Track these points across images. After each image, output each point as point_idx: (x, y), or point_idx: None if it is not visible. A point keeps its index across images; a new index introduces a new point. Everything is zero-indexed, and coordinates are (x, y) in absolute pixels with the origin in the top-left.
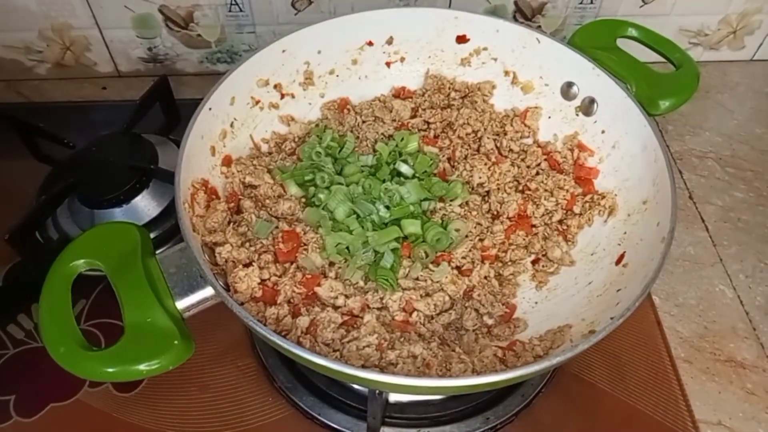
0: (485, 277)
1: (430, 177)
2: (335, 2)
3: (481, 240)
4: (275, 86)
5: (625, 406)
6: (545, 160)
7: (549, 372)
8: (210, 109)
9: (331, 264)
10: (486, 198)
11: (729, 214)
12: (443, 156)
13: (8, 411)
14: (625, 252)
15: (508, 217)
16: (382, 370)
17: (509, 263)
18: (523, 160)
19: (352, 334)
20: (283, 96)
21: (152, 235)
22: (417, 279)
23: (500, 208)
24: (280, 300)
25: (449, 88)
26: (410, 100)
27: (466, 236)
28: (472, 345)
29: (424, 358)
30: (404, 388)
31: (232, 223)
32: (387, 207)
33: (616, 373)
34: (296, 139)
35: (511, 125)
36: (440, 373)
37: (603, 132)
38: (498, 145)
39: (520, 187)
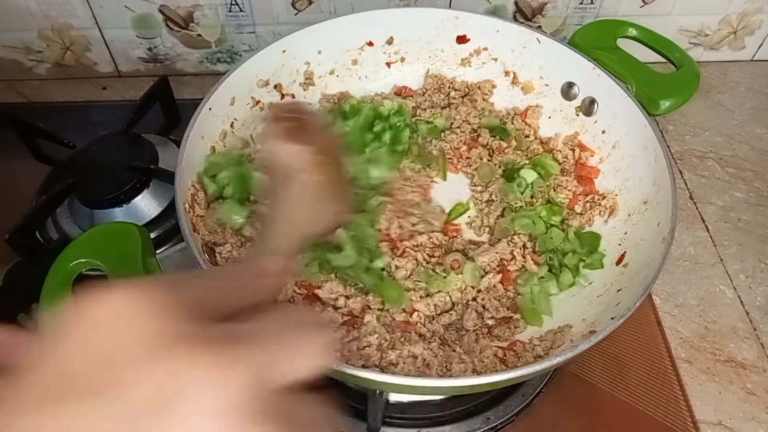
0: (494, 286)
1: None
2: (335, 2)
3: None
4: (275, 86)
5: (626, 406)
6: None
7: (549, 372)
8: (210, 109)
9: None
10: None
11: (729, 214)
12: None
13: None
14: (625, 252)
15: None
16: (383, 370)
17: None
18: None
19: (353, 334)
20: (283, 96)
21: (152, 235)
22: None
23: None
24: (281, 300)
25: (449, 87)
26: (411, 99)
27: None
28: (472, 345)
29: (425, 359)
30: (404, 388)
31: None
32: None
33: (617, 373)
34: None
35: (512, 124)
36: (440, 374)
37: (603, 132)
38: None
39: None
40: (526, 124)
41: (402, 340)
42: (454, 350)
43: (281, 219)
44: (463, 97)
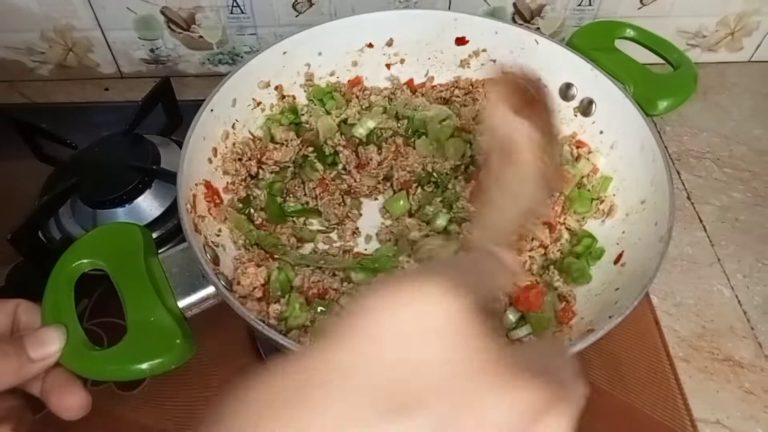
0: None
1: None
2: (336, 4)
3: None
4: (276, 88)
5: (624, 405)
6: None
7: None
8: (212, 110)
9: None
10: None
11: (727, 215)
12: None
13: None
14: (623, 251)
15: None
16: None
17: None
18: None
19: None
20: (284, 97)
21: (154, 235)
22: None
23: None
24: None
25: (453, 86)
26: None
27: None
28: None
29: None
30: None
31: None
32: None
33: (615, 372)
34: None
35: None
36: None
37: (601, 132)
38: None
39: None
40: None
41: None
42: None
43: (499, 197)
44: (465, 95)
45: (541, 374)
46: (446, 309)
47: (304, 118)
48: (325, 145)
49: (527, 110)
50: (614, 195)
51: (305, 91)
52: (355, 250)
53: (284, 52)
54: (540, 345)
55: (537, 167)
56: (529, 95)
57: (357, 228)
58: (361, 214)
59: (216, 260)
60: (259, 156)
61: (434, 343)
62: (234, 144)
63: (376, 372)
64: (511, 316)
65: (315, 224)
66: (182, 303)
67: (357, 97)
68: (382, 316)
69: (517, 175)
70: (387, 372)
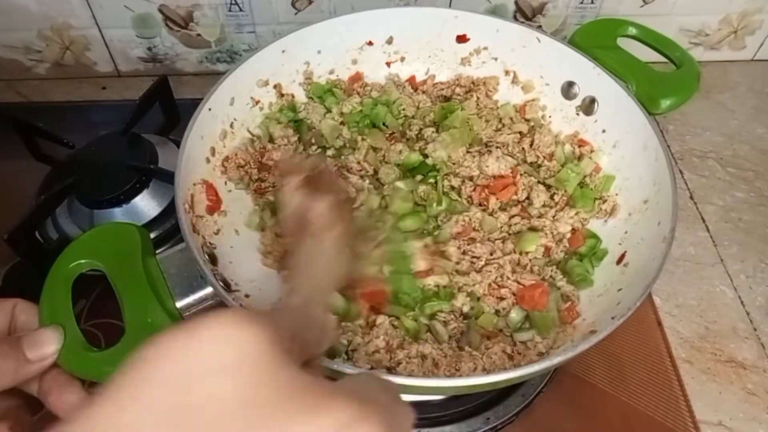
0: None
1: None
2: (335, 2)
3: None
4: (275, 86)
5: (626, 407)
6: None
7: (549, 372)
8: (210, 109)
9: None
10: None
11: (730, 214)
12: None
13: None
14: (626, 252)
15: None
16: (390, 370)
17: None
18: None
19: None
20: (282, 96)
21: (152, 235)
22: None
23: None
24: None
25: (454, 84)
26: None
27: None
28: (482, 341)
29: (434, 358)
30: (404, 388)
31: None
32: None
33: (617, 374)
34: None
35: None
36: (449, 373)
37: (604, 131)
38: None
39: None
40: (526, 121)
41: (410, 340)
42: (463, 349)
43: (307, 270)
44: (466, 93)
45: (352, 399)
46: (242, 343)
47: (302, 115)
48: (332, 147)
49: (318, 193)
50: (617, 194)
51: (304, 90)
52: None
53: (283, 51)
54: (355, 377)
55: (333, 242)
56: (319, 182)
57: None
58: None
59: (214, 260)
60: (259, 158)
61: (229, 379)
62: (237, 155)
63: (164, 421)
64: (515, 315)
65: None
66: (180, 304)
67: (358, 93)
68: (165, 361)
69: (315, 246)
70: (176, 418)
